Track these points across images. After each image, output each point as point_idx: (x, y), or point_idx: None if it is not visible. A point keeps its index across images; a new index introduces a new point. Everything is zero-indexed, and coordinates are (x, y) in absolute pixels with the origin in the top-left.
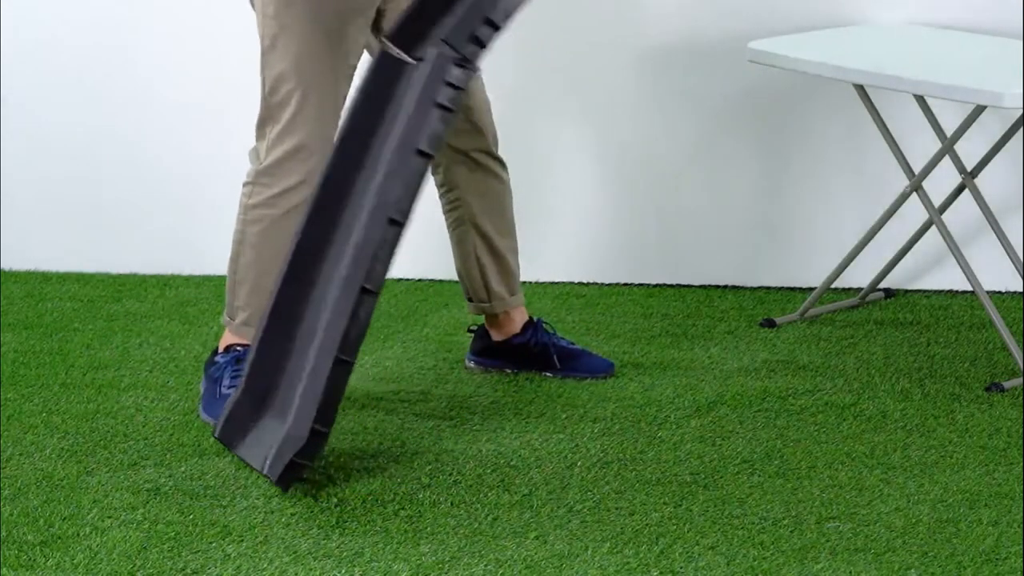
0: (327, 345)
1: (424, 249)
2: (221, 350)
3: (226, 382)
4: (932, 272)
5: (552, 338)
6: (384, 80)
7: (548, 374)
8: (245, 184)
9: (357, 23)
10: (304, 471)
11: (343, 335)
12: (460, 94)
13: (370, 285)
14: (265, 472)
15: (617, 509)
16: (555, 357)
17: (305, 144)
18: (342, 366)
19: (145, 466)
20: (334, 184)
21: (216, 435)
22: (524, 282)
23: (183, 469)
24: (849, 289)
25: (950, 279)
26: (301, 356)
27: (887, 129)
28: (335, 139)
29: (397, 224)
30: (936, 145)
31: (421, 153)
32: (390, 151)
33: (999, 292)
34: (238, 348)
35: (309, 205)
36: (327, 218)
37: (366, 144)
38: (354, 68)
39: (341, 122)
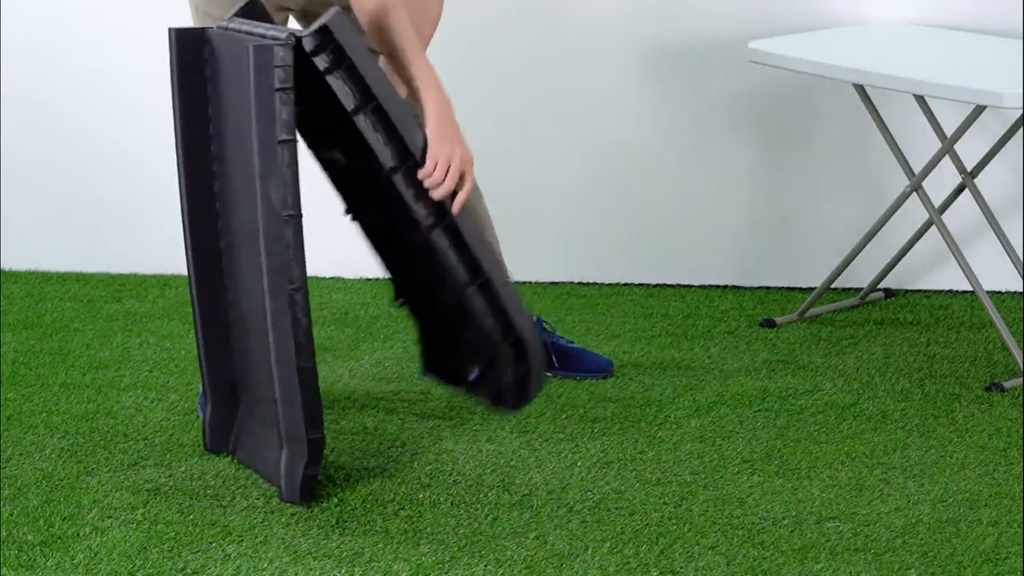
0: (284, 358)
1: None
2: None
3: None
4: (932, 272)
5: (552, 337)
6: (220, 61)
7: (547, 374)
8: None
9: (278, 17)
10: (317, 477)
11: (295, 343)
12: (291, 68)
13: (294, 286)
14: (286, 499)
15: (617, 509)
16: (553, 356)
17: None
18: (305, 371)
19: (145, 466)
20: (203, 177)
21: (208, 448)
22: (525, 282)
23: (183, 469)
24: (849, 289)
25: (950, 279)
26: (250, 351)
27: (887, 129)
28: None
29: (292, 218)
30: (936, 145)
31: (283, 143)
32: (253, 149)
33: (999, 292)
34: None
35: (185, 202)
36: (208, 214)
37: (223, 135)
38: None
39: (177, 114)
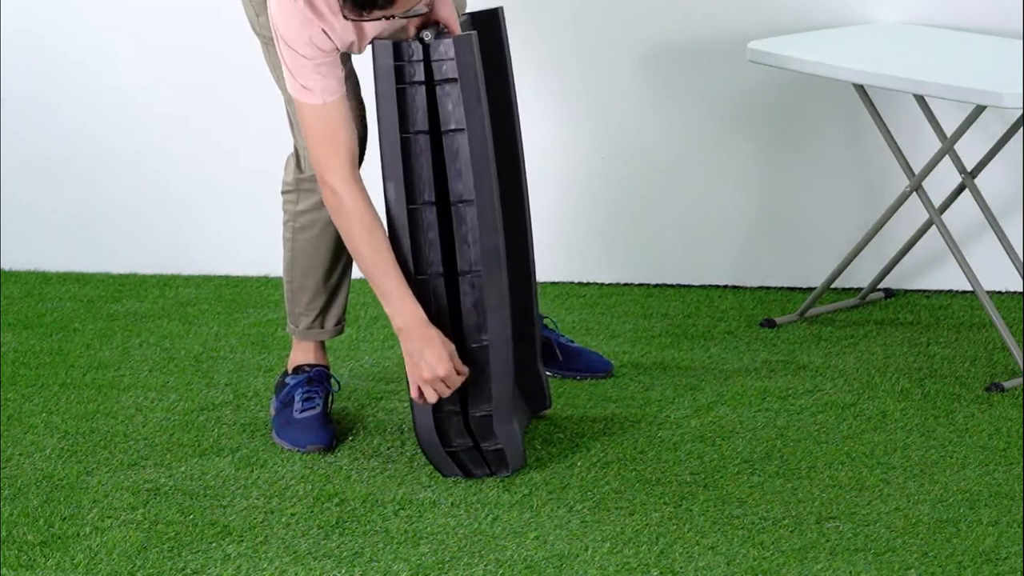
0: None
1: None
2: (290, 370)
3: (298, 405)
4: (932, 272)
5: (554, 334)
6: None
7: (548, 373)
8: (287, 192)
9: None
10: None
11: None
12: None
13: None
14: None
15: (617, 509)
16: (557, 351)
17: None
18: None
19: (145, 466)
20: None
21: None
22: None
23: (183, 469)
24: (849, 289)
25: (950, 279)
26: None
27: (887, 129)
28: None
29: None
30: (936, 145)
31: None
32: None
33: (999, 292)
34: (306, 368)
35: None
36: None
37: None
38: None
39: None
